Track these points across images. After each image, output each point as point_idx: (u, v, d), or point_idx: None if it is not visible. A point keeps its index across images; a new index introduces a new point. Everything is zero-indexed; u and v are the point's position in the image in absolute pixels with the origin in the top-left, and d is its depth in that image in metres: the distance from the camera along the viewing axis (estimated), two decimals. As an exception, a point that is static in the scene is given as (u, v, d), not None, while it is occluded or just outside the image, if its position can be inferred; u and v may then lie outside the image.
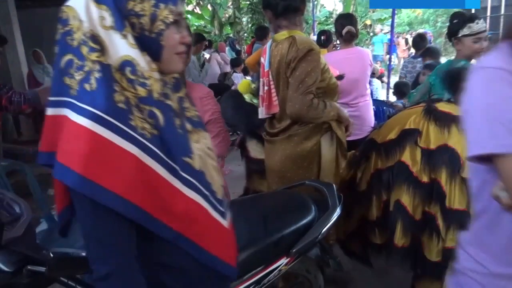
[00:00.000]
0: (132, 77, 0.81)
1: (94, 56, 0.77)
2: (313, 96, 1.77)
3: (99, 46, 0.78)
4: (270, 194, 1.68)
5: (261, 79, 1.99)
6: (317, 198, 1.52)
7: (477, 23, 2.36)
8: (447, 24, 2.53)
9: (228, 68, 6.92)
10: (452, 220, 1.60)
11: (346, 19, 2.93)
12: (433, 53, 4.22)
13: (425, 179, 1.68)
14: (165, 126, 0.85)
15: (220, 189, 0.99)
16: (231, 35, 13.38)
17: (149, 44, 0.84)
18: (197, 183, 0.89)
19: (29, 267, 1.06)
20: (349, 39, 2.85)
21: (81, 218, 0.80)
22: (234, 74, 5.62)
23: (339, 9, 16.33)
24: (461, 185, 1.60)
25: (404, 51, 12.42)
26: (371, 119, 2.96)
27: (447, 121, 1.70)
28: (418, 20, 20.90)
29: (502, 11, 11.44)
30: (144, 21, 0.82)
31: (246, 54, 8.09)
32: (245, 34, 14.01)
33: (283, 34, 1.85)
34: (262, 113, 2.01)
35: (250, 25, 13.26)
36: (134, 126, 0.79)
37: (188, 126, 0.93)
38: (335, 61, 2.59)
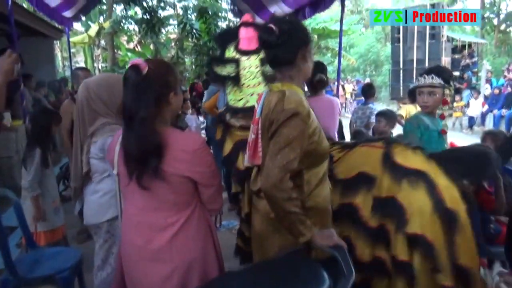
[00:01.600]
0: None
1: None
2: (291, 175, 1.51)
3: None
4: (276, 262, 1.50)
5: (251, 125, 1.85)
6: (327, 263, 1.38)
7: (424, 77, 2.47)
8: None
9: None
10: (400, 271, 1.73)
11: (317, 67, 2.92)
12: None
13: (372, 223, 1.81)
14: None
15: None
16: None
17: None
18: None
19: None
20: (320, 86, 2.86)
21: None
22: (188, 116, 5.41)
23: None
24: (403, 240, 1.73)
25: (341, 96, 13.20)
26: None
27: (399, 174, 1.85)
28: (350, 68, 22.52)
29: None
30: None
31: (189, 95, 7.94)
32: (187, 74, 13.95)
33: (276, 86, 1.71)
34: (246, 161, 1.88)
35: (194, 66, 13.25)
36: None
37: None
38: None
